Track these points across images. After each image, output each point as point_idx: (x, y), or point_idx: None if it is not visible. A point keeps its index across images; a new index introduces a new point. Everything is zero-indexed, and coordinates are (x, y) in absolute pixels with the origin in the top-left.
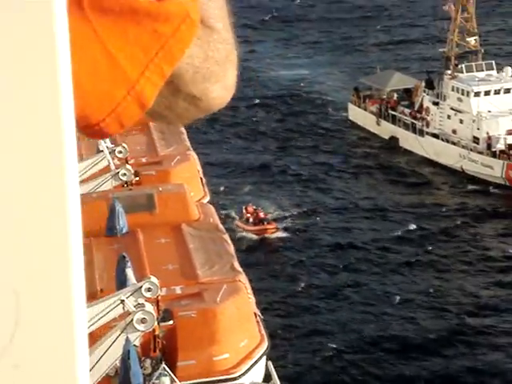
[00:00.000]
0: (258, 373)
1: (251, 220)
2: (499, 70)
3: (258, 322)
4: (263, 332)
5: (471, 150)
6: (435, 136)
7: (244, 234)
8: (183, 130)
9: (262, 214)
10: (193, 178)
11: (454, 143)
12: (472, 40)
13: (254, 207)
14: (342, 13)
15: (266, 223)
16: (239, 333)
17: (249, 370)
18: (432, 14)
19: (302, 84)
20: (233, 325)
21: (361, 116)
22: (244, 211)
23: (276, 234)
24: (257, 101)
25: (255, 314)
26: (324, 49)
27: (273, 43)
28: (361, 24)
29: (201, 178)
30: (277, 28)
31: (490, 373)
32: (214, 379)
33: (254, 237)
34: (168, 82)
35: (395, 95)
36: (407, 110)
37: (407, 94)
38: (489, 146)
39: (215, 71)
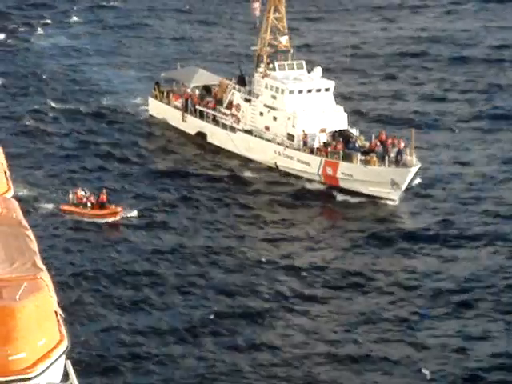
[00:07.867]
0: (56, 373)
1: (89, 204)
2: (309, 69)
3: (58, 320)
4: (63, 331)
5: (287, 146)
6: (248, 132)
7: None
8: None
9: (104, 197)
10: None
11: (268, 140)
12: (284, 39)
13: (85, 191)
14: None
15: (109, 206)
16: (38, 332)
17: (46, 369)
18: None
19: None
20: (31, 323)
21: (164, 111)
22: (73, 196)
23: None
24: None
25: (56, 312)
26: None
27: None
28: (166, 16)
29: (5, 172)
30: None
31: None
32: (9, 379)
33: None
34: None
35: (197, 91)
36: (219, 106)
37: (207, 91)
38: (305, 143)
39: None
